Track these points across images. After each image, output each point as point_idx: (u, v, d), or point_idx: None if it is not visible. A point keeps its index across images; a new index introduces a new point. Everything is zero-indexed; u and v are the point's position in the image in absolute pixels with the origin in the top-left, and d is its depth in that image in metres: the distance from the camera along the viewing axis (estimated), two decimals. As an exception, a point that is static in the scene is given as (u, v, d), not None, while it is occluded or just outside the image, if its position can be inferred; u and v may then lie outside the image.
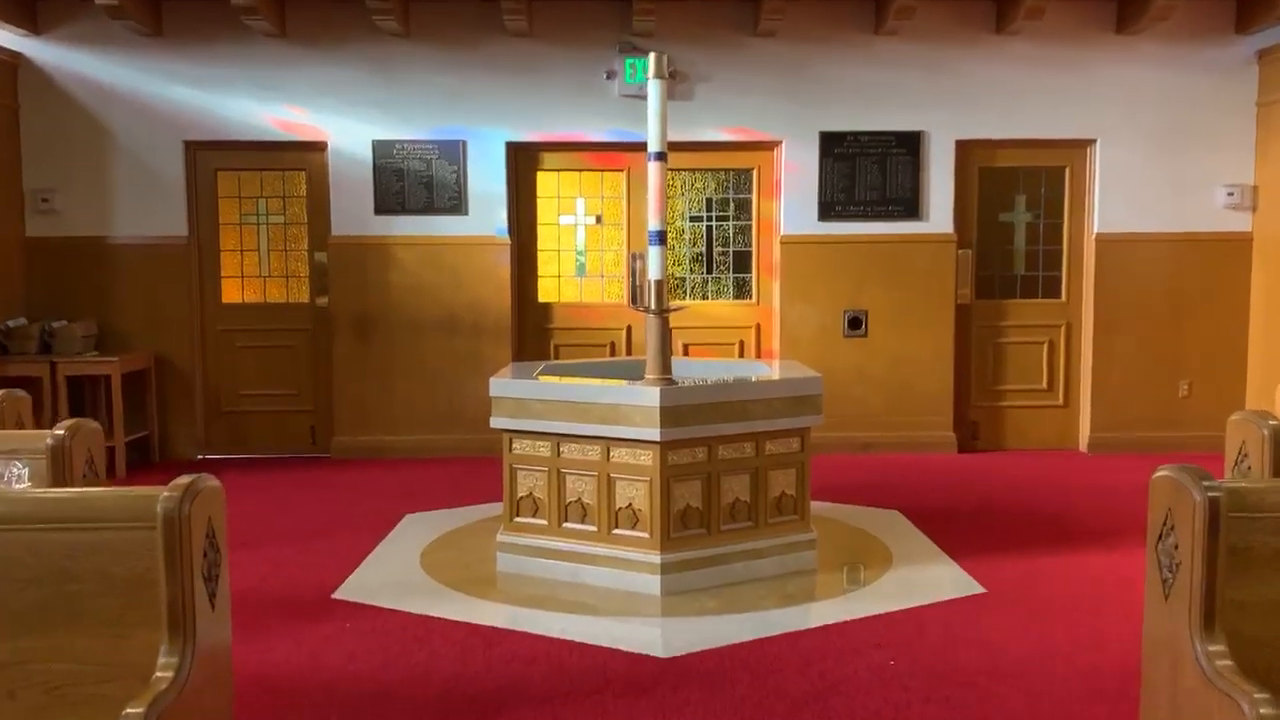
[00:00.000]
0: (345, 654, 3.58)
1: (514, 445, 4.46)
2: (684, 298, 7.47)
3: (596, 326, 7.41)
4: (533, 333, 7.48)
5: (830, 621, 3.87)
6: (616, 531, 4.27)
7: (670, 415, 4.09)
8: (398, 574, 4.51)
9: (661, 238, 4.16)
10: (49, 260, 7.13)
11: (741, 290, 7.50)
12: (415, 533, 5.19)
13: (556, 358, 7.40)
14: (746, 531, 4.36)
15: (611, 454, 4.24)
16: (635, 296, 4.22)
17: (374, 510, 5.70)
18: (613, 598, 4.15)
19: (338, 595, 4.21)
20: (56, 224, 7.14)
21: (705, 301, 7.49)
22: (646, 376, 4.19)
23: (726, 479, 4.29)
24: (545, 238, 7.47)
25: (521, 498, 4.47)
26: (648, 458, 4.17)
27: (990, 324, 7.45)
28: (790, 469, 4.46)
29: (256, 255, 7.40)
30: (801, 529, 4.51)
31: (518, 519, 4.49)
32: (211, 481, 2.29)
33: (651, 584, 4.17)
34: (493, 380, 4.47)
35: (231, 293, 7.41)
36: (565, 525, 4.38)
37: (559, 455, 4.35)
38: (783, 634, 3.74)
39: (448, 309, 7.21)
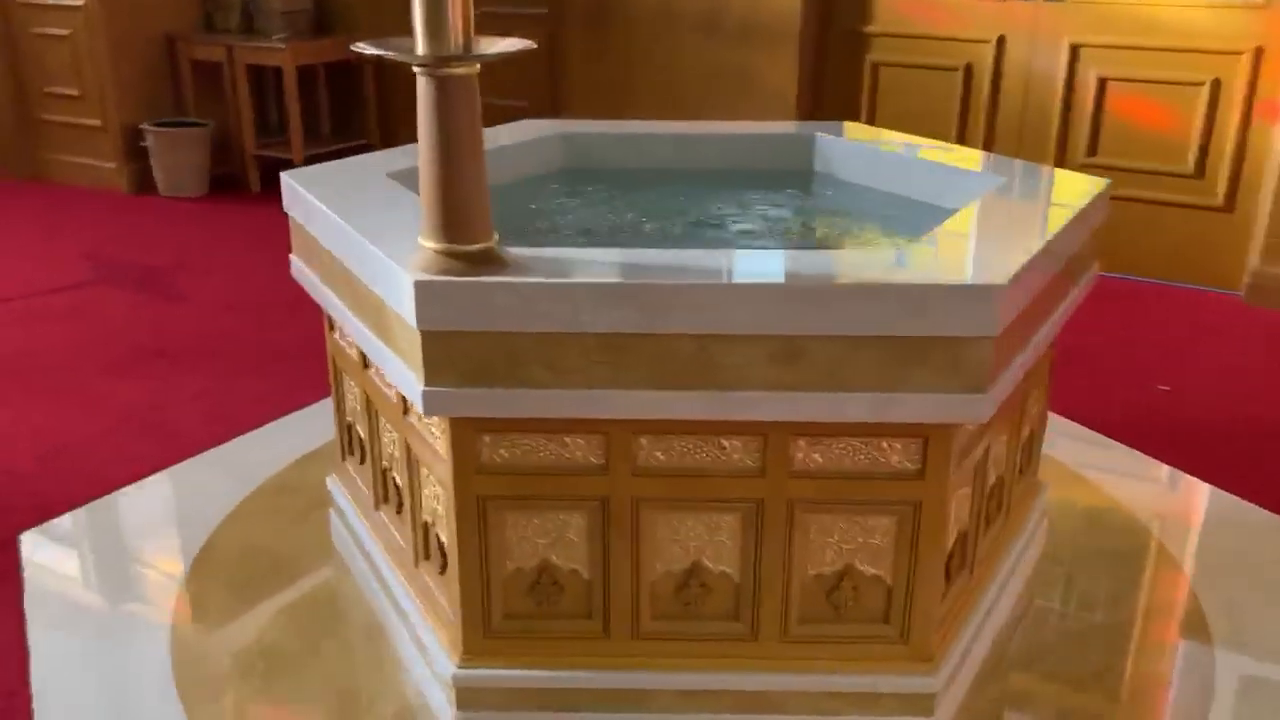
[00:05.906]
0: None
1: (334, 323, 2.14)
2: (1117, -10, 3.98)
3: (943, 35, 4.28)
4: (838, 42, 4.54)
5: None
6: (425, 568, 1.87)
7: (446, 350, 1.50)
8: (186, 500, 2.54)
9: None
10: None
11: (1241, -22, 3.81)
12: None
13: (875, 89, 4.47)
14: (724, 649, 1.70)
15: (407, 403, 1.77)
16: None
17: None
18: (383, 711, 1.85)
19: (24, 545, 2.36)
20: None
21: (1147, 2, 3.94)
22: (420, 240, 1.55)
23: (661, 521, 1.62)
24: None
25: (350, 424, 2.19)
26: (440, 440, 1.65)
27: None
28: (880, 516, 1.62)
29: (487, -96, 5.23)
30: (902, 661, 1.70)
31: (349, 459, 2.24)
32: None
33: (441, 711, 1.78)
34: (284, 175, 2.09)
35: (460, -41, 5.39)
36: (379, 512, 2.05)
37: (365, 367, 1.97)
38: None
39: (705, -5, 4.56)
